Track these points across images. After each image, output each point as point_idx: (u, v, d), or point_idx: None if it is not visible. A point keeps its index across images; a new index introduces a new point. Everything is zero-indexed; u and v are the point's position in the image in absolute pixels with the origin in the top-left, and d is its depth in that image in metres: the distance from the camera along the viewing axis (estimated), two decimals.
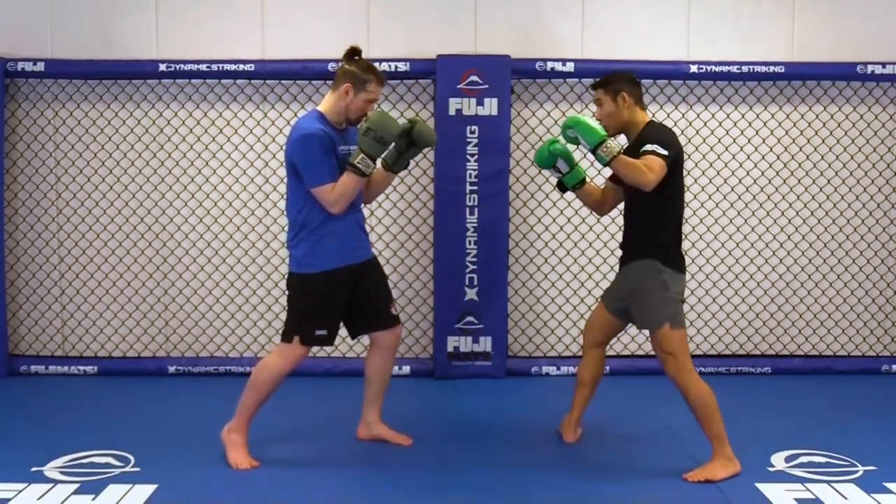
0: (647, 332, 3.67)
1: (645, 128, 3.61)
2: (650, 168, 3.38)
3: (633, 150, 3.53)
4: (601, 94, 3.64)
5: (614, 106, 3.60)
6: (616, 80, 3.63)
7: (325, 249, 3.55)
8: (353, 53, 3.62)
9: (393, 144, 3.56)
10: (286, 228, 3.66)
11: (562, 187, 3.85)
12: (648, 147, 3.44)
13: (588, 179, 3.85)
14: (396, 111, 5.02)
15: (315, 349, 5.05)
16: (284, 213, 3.86)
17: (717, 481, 3.44)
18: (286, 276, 3.70)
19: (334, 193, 3.46)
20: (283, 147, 3.70)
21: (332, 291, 3.59)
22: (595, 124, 3.46)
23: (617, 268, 5.10)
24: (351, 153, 3.50)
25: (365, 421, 3.90)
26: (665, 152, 3.42)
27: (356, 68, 3.56)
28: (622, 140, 3.65)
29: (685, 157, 5.03)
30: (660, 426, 4.12)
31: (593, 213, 4.18)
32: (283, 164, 3.67)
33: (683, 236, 5.11)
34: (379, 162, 3.61)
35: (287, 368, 3.63)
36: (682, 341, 3.53)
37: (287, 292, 3.69)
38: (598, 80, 3.70)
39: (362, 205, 3.74)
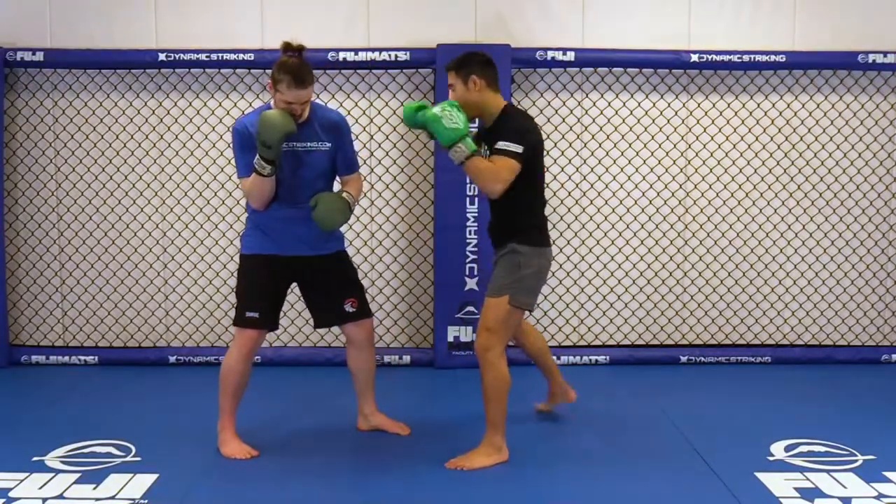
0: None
1: (501, 115, 3.44)
2: (497, 177, 3.27)
3: (491, 139, 3.40)
4: (453, 78, 3.43)
5: (465, 90, 3.40)
6: (467, 63, 3.41)
7: (255, 234, 3.59)
8: (285, 48, 3.42)
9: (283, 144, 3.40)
10: None
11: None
12: (501, 145, 3.30)
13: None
14: (396, 101, 5.02)
15: (316, 339, 5.13)
16: None
17: (474, 469, 3.40)
18: None
19: (245, 189, 3.51)
20: None
21: (258, 275, 3.58)
22: (454, 122, 3.25)
23: (616, 256, 5.16)
24: (299, 149, 3.47)
25: (362, 413, 3.90)
26: (519, 149, 3.29)
27: (275, 67, 3.37)
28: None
29: (685, 146, 5.10)
30: (659, 415, 4.13)
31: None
32: None
33: (683, 225, 5.15)
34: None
35: (240, 355, 3.57)
36: (510, 318, 3.48)
37: None
38: (450, 62, 3.47)
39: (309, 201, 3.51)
